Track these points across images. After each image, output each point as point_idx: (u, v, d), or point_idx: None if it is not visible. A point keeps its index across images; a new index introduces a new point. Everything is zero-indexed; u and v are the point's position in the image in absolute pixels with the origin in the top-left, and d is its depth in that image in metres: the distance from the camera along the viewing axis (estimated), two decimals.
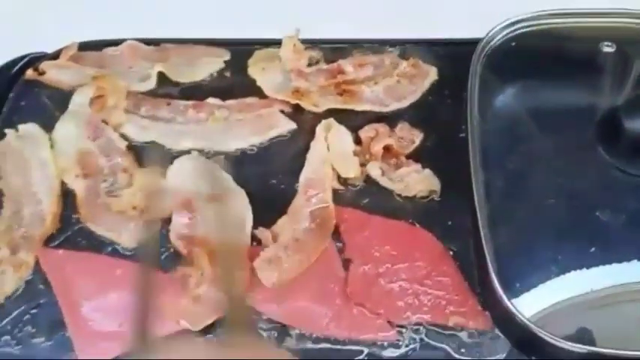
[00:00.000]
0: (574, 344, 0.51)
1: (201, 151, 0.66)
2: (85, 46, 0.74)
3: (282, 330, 0.56)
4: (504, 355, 0.54)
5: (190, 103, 0.69)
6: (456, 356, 0.54)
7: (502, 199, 0.59)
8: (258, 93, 0.69)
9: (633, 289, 0.55)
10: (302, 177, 0.63)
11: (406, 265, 0.59)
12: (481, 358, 0.54)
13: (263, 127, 0.67)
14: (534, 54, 0.68)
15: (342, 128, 0.66)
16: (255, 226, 0.60)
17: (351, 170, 0.63)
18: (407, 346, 0.55)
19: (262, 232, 0.60)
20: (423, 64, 0.71)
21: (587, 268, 0.55)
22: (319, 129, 0.66)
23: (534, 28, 0.68)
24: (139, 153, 0.66)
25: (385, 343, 0.55)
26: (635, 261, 0.55)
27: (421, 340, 0.55)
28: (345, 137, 0.65)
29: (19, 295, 0.58)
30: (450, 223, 0.61)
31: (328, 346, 0.55)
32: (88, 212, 0.62)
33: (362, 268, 0.59)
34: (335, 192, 0.63)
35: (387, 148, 0.64)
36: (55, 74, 0.71)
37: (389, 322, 0.56)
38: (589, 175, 0.59)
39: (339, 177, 0.63)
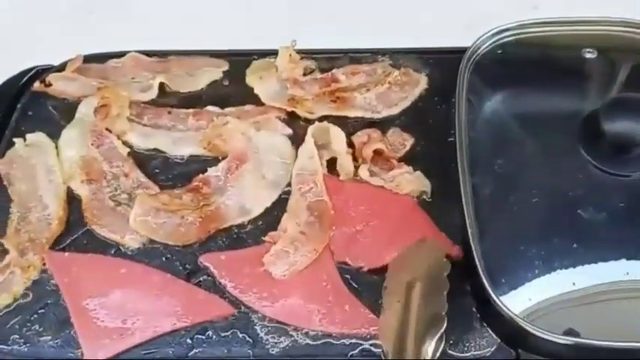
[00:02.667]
0: (559, 336, 0.53)
1: (200, 157, 0.69)
2: (89, 59, 0.76)
3: (278, 327, 0.58)
4: (492, 349, 0.56)
5: (190, 111, 0.71)
6: (448, 350, 0.56)
7: (489, 199, 0.61)
8: (256, 101, 0.72)
9: (616, 287, 0.56)
10: (293, 173, 0.66)
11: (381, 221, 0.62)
12: (470, 352, 0.56)
13: None
14: (519, 61, 0.70)
15: (337, 128, 0.68)
16: (261, 227, 0.64)
17: (348, 166, 0.66)
18: None
19: (273, 235, 0.63)
20: (414, 72, 0.73)
21: (573, 265, 0.56)
22: (310, 130, 0.68)
23: (519, 36, 0.70)
24: (140, 159, 0.69)
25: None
26: (616, 258, 0.57)
27: None
28: (341, 136, 0.68)
29: (26, 296, 0.60)
30: (439, 223, 0.62)
31: (323, 341, 0.57)
32: (92, 215, 0.64)
33: (342, 228, 0.62)
34: None
35: (378, 152, 0.66)
36: (61, 85, 0.73)
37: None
38: (572, 175, 0.61)
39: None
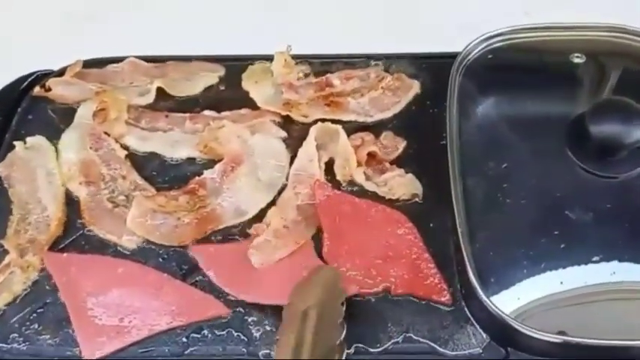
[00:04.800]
0: (548, 334, 0.54)
1: (196, 159, 0.70)
2: (89, 64, 0.77)
3: (272, 326, 0.58)
4: (482, 347, 0.57)
5: (187, 115, 0.73)
6: (439, 349, 0.57)
7: (479, 200, 0.62)
8: (251, 105, 0.73)
9: (602, 287, 0.57)
10: (291, 172, 0.68)
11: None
12: (460, 351, 0.57)
13: None
14: (509, 66, 0.71)
15: (339, 127, 0.69)
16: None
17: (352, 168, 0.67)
18: (390, 339, 0.58)
19: (257, 227, 0.64)
20: (406, 77, 0.75)
21: (561, 265, 0.58)
22: (312, 130, 0.69)
23: (509, 41, 0.71)
24: (137, 162, 0.70)
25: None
26: (603, 259, 0.58)
27: (405, 332, 0.58)
28: (344, 136, 0.69)
29: (26, 295, 0.61)
30: (431, 224, 0.64)
31: None
32: (90, 217, 0.65)
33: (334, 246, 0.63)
34: None
35: (371, 155, 0.68)
36: (60, 90, 0.74)
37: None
38: (560, 177, 0.62)
39: (326, 177, 0.67)
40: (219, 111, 0.73)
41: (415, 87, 0.74)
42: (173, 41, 0.85)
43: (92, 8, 0.98)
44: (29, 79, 0.77)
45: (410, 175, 0.67)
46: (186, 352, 0.58)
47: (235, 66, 0.77)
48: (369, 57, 0.77)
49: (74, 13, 0.98)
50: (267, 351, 0.57)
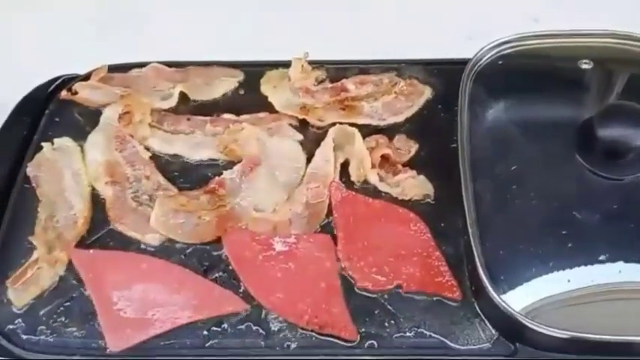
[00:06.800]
0: (556, 330, 0.55)
1: (216, 161, 0.72)
2: (113, 69, 0.79)
3: (290, 321, 0.60)
4: (491, 342, 0.59)
5: (208, 118, 0.75)
6: (449, 344, 0.59)
7: (489, 201, 0.63)
8: (270, 109, 0.76)
9: (609, 285, 0.59)
10: (308, 170, 0.70)
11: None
12: (470, 346, 0.59)
13: None
14: (519, 72, 0.72)
15: (356, 130, 0.71)
16: None
17: (367, 169, 0.69)
18: (402, 334, 0.59)
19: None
20: (419, 82, 0.77)
21: (568, 264, 0.59)
22: (330, 132, 0.71)
23: (519, 48, 0.73)
24: (160, 163, 0.72)
25: None
26: (610, 258, 0.59)
27: (416, 328, 0.60)
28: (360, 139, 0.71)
29: (54, 289, 0.63)
30: (442, 224, 0.66)
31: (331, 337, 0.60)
32: (115, 215, 0.67)
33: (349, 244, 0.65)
34: None
35: (385, 157, 0.70)
36: (86, 94, 0.77)
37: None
38: (568, 179, 0.64)
39: (341, 177, 0.69)
40: (238, 114, 0.75)
41: (427, 92, 0.76)
42: (194, 47, 0.87)
43: (116, 16, 1.00)
44: (56, 83, 0.79)
45: (422, 177, 0.69)
46: (206, 345, 0.59)
47: (254, 71, 0.79)
48: (382, 63, 0.79)
49: (99, 20, 1.00)
50: (286, 344, 0.59)
